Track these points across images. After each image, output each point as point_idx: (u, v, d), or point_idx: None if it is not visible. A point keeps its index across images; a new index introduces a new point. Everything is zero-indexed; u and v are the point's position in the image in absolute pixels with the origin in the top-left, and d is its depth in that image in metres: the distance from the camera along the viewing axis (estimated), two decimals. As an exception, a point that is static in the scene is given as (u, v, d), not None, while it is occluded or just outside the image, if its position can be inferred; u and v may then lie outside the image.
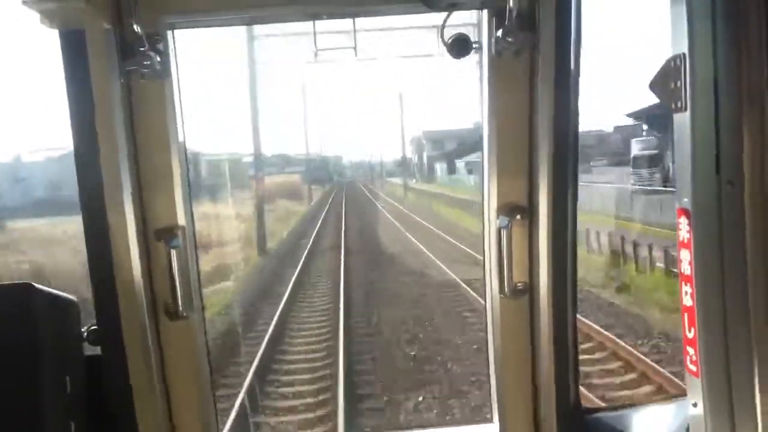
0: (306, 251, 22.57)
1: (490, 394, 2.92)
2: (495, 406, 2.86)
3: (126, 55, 2.37)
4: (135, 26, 2.34)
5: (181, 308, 2.56)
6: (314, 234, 26.77)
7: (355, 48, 2.66)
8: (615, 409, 2.78)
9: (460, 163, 38.60)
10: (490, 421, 2.89)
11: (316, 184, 43.29)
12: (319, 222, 30.63)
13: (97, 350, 2.50)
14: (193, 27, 2.61)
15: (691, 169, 1.86)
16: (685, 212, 1.91)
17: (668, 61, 1.89)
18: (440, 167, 42.63)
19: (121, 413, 2.50)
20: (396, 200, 39.01)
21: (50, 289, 2.37)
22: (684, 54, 1.83)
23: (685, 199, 1.90)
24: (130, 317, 2.47)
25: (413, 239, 23.41)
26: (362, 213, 33.74)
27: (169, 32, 2.50)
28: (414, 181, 44.59)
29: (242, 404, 9.16)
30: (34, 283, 2.26)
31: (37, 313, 2.25)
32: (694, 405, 1.98)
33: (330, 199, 41.23)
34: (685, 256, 1.95)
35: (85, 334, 2.50)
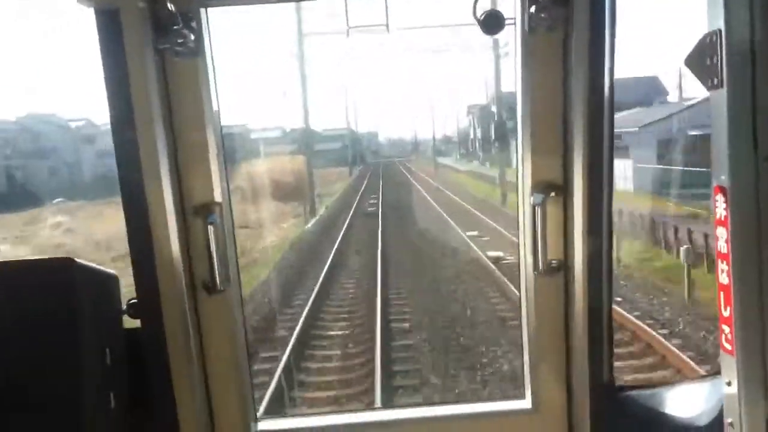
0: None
1: (523, 372, 2.92)
2: (528, 383, 2.86)
3: (160, 33, 2.41)
4: (169, 4, 2.36)
5: (218, 282, 2.62)
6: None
7: (387, 25, 2.65)
8: (648, 387, 2.76)
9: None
10: (522, 397, 2.90)
11: (338, 166, 34.22)
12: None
13: (137, 323, 2.57)
14: (226, 4, 2.63)
15: (728, 146, 1.83)
16: (721, 190, 1.89)
17: (704, 37, 1.85)
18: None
19: (159, 385, 2.58)
20: (490, 212, 20.87)
21: (91, 264, 2.44)
22: (720, 30, 1.79)
23: (722, 177, 1.87)
24: (168, 291, 2.54)
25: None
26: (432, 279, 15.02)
27: (203, 10, 2.52)
28: (476, 162, 36.05)
29: None
30: (75, 258, 2.33)
31: (77, 287, 2.30)
32: (728, 384, 1.97)
33: (352, 209, 25.75)
34: (722, 234, 1.92)
35: (125, 307, 2.57)
